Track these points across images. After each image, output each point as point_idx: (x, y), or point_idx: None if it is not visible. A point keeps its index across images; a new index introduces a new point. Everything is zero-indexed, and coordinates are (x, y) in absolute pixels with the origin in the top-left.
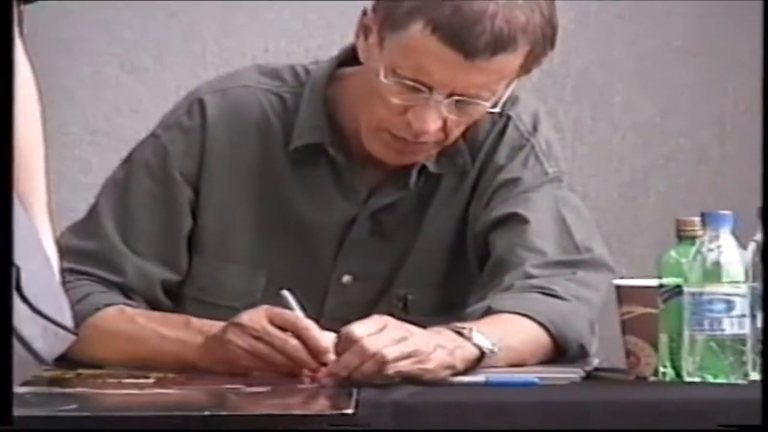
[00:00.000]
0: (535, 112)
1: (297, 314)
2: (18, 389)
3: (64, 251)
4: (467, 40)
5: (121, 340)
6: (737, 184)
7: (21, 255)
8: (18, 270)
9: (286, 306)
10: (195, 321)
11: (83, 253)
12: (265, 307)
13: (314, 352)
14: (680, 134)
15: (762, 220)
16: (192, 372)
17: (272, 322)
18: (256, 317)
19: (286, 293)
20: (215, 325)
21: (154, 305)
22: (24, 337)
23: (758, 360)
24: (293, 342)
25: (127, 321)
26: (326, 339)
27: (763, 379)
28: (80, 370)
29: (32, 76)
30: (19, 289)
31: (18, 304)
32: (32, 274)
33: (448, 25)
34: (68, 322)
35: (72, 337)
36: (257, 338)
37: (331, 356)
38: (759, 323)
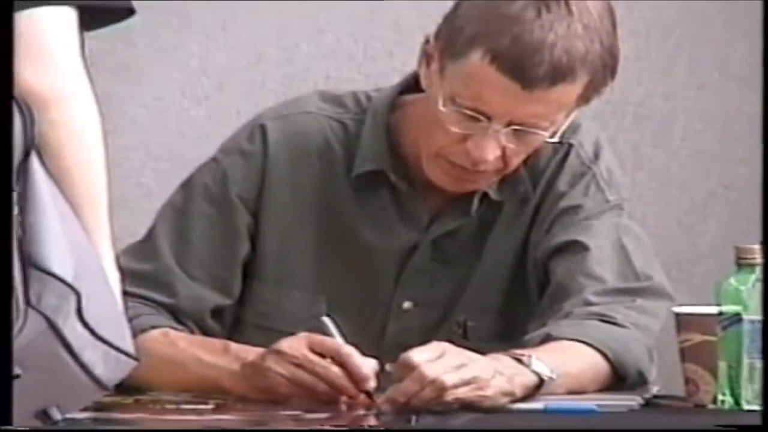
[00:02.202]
0: (596, 140)
1: (338, 341)
2: (77, 415)
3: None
4: (526, 70)
5: (163, 363)
6: None
7: (82, 281)
8: (79, 295)
9: (327, 333)
10: (234, 346)
11: (137, 275)
12: (305, 334)
13: (355, 378)
14: (739, 162)
15: (762, 228)
16: (237, 399)
17: (312, 350)
18: (296, 344)
19: (326, 320)
20: (253, 351)
21: (203, 329)
22: (85, 362)
23: None
24: (334, 369)
25: (169, 344)
26: (367, 366)
27: (763, 380)
28: (138, 396)
29: (95, 103)
30: (80, 314)
31: (79, 330)
32: (93, 300)
33: (507, 54)
34: (130, 347)
35: (133, 363)
36: (298, 365)
37: (372, 383)
38: None
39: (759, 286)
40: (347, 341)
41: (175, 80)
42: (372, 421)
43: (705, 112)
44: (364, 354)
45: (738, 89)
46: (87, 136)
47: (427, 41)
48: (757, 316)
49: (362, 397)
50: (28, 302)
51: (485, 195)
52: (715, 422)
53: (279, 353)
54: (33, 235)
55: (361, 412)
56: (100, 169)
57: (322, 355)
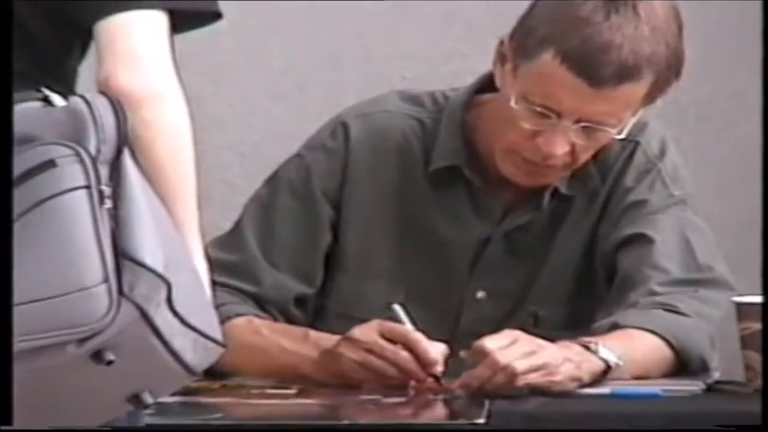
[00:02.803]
0: (662, 138)
1: (407, 327)
2: (167, 399)
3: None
4: (594, 69)
5: (247, 349)
6: None
7: (172, 271)
8: (169, 285)
9: (397, 320)
10: (313, 334)
11: (223, 265)
12: (376, 321)
13: (424, 363)
14: None
15: (762, 224)
16: (317, 384)
17: (383, 336)
18: (367, 331)
19: (396, 307)
20: (331, 339)
21: (287, 316)
22: (175, 349)
23: None
24: (404, 354)
25: (253, 332)
26: (435, 351)
27: (763, 380)
28: (225, 381)
29: (185, 103)
30: (170, 303)
31: (169, 318)
32: (183, 290)
33: (576, 54)
34: (217, 334)
35: (221, 350)
36: (369, 351)
37: (440, 367)
38: None
39: None
40: (417, 328)
41: (259, 81)
42: (446, 406)
43: None
44: (434, 340)
45: None
46: (177, 135)
47: (501, 42)
48: None
49: (430, 380)
50: (121, 292)
51: (556, 190)
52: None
53: (351, 340)
54: (126, 228)
55: (437, 396)
56: (190, 165)
57: (392, 342)
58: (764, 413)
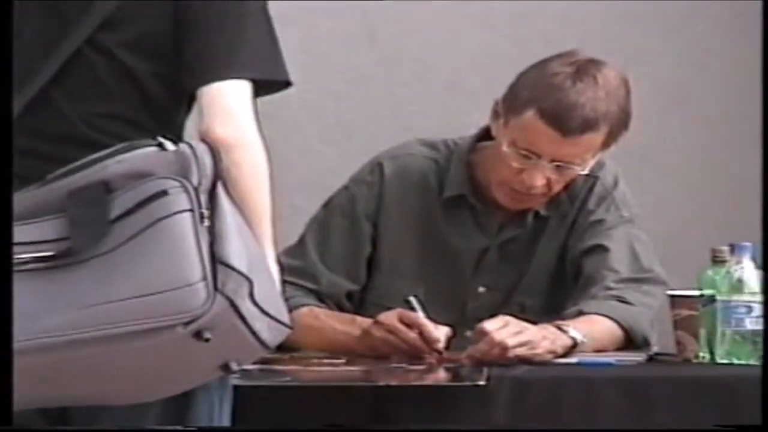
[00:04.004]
0: (615, 173)
1: (419, 314)
2: (248, 367)
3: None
4: (564, 123)
5: (308, 330)
6: None
7: (253, 272)
8: (251, 283)
9: (412, 308)
10: (358, 319)
11: (291, 268)
12: (397, 309)
13: (428, 341)
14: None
15: (762, 223)
16: (359, 356)
17: (401, 321)
18: (390, 317)
19: (412, 299)
20: (368, 322)
21: (339, 307)
22: (255, 330)
23: None
24: (413, 335)
25: (313, 317)
26: (438, 332)
27: (762, 380)
28: (292, 354)
29: (263, 148)
30: (252, 296)
31: (251, 307)
32: (261, 286)
33: (551, 112)
34: (286, 319)
35: (288, 330)
36: (390, 332)
37: (441, 344)
38: None
39: (728, 275)
40: (427, 315)
41: (316, 131)
42: (455, 372)
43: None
44: (442, 324)
45: None
46: (258, 172)
47: (496, 103)
48: (727, 297)
49: (435, 354)
50: (216, 287)
51: (537, 212)
52: (698, 372)
53: (378, 323)
54: (219, 240)
55: (447, 365)
56: (266, 194)
57: (408, 325)
58: (764, 413)
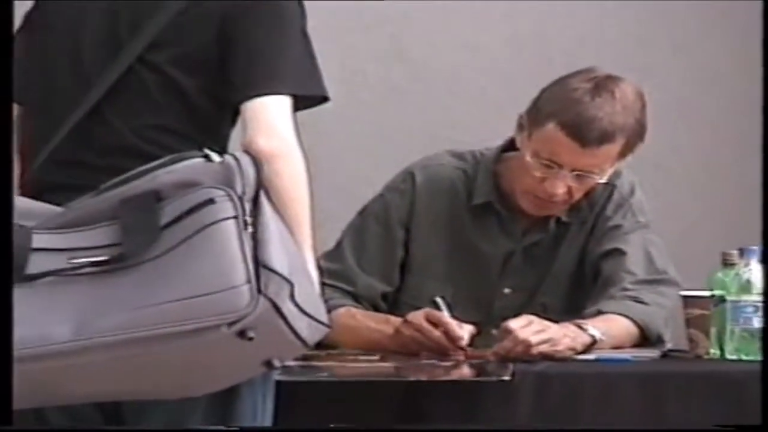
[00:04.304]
0: (632, 182)
1: (444, 314)
2: (289, 363)
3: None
4: (584, 135)
5: (346, 329)
6: None
7: (294, 275)
8: (292, 285)
9: (439, 308)
10: (392, 318)
11: (330, 271)
12: (425, 309)
13: (452, 339)
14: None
15: (762, 225)
16: (392, 353)
17: (428, 320)
18: (418, 316)
19: (438, 300)
20: (400, 321)
21: (375, 307)
22: (296, 329)
23: None
24: (437, 333)
25: (350, 317)
26: (461, 330)
27: (762, 379)
28: (329, 351)
29: (302, 158)
30: (292, 298)
31: (292, 308)
32: (301, 288)
33: (571, 124)
34: (324, 319)
35: (326, 329)
36: (417, 330)
37: (464, 342)
38: None
39: (737, 277)
40: (452, 315)
41: (351, 144)
42: (482, 367)
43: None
44: (469, 323)
45: None
46: (298, 181)
47: (521, 117)
48: (736, 298)
49: (459, 351)
50: (259, 290)
51: (558, 218)
52: (709, 367)
53: (407, 322)
54: (262, 245)
55: (474, 361)
56: (306, 202)
57: (434, 324)
58: (764, 413)
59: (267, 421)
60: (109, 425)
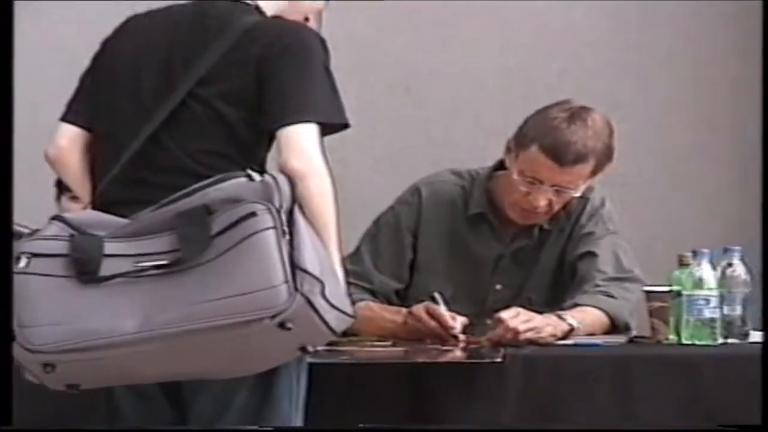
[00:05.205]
0: (603, 196)
1: (440, 307)
2: (320, 348)
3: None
4: (561, 156)
5: (364, 320)
6: None
7: (324, 275)
8: (323, 284)
9: (436, 302)
10: (403, 310)
11: (352, 272)
12: (426, 303)
13: (445, 328)
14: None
15: (762, 228)
16: (403, 339)
17: (427, 312)
18: (419, 308)
19: (436, 295)
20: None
21: (389, 301)
22: (326, 321)
23: (721, 331)
24: (433, 323)
25: (368, 309)
26: (454, 321)
27: (762, 379)
28: (351, 338)
29: (330, 176)
30: (323, 294)
31: (323, 303)
32: (330, 285)
33: (550, 147)
34: (349, 310)
35: (351, 320)
36: (417, 321)
37: (457, 331)
38: (726, 311)
39: (691, 275)
40: (448, 308)
41: (367, 165)
42: (478, 351)
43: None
44: (464, 315)
45: None
46: (325, 195)
47: (508, 141)
48: (690, 292)
49: (452, 338)
50: (295, 288)
51: (541, 226)
52: (668, 351)
53: (410, 314)
54: (297, 250)
55: (471, 346)
56: (333, 212)
57: (432, 315)
58: (764, 413)
59: (301, 397)
60: (170, 400)
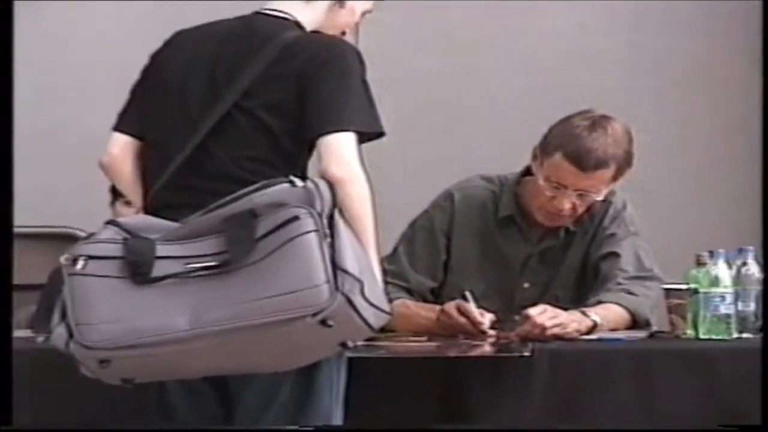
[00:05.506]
0: (624, 199)
1: (470, 304)
2: (359, 343)
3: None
4: (584, 162)
5: (401, 317)
6: None
7: (363, 275)
8: (362, 283)
9: (466, 300)
10: (437, 308)
11: (389, 271)
12: (457, 300)
13: (474, 324)
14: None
15: (762, 228)
16: (437, 335)
17: (458, 309)
18: (450, 306)
19: (466, 293)
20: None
21: (424, 299)
22: (365, 318)
23: (736, 326)
24: (463, 320)
25: (404, 307)
26: (482, 318)
27: (763, 379)
28: (388, 333)
29: (368, 182)
30: (362, 293)
31: (362, 302)
32: (368, 285)
33: (573, 154)
34: (387, 308)
35: (387, 317)
36: (448, 317)
37: (485, 327)
38: (740, 307)
39: (708, 273)
40: (478, 305)
41: (400, 170)
42: (507, 346)
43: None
44: (494, 311)
45: None
46: (364, 199)
47: (534, 149)
48: (706, 290)
49: (481, 334)
50: (336, 287)
51: (567, 228)
52: (686, 345)
53: (443, 311)
54: (337, 252)
55: (501, 341)
56: (370, 216)
57: (462, 312)
58: (764, 413)
59: (341, 391)
60: (217, 394)
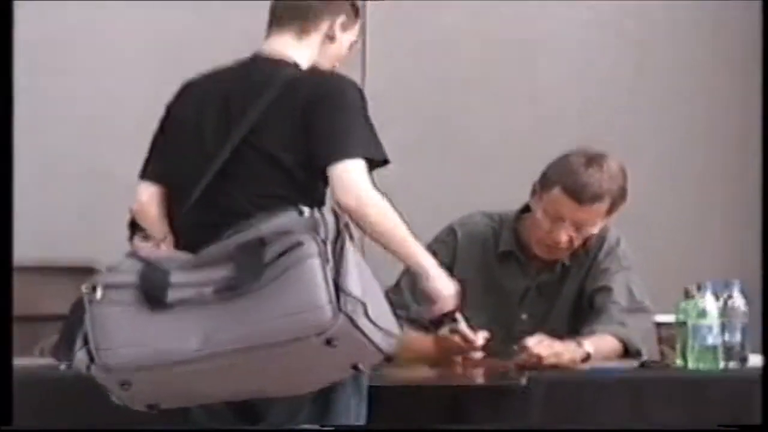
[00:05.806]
0: (618, 235)
1: (461, 324)
2: (365, 370)
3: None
4: (580, 196)
5: (401, 346)
6: None
7: (367, 297)
8: (365, 305)
9: (457, 321)
10: (434, 336)
11: (393, 301)
12: (449, 325)
13: (467, 341)
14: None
15: (762, 228)
16: (437, 361)
17: (451, 331)
18: (445, 330)
19: (457, 315)
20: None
21: (425, 328)
22: (374, 342)
23: (723, 356)
24: (457, 338)
25: (405, 336)
26: (474, 335)
27: (763, 379)
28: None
29: (386, 203)
30: (366, 315)
31: (368, 324)
32: (373, 307)
33: (571, 189)
34: (395, 331)
35: (396, 339)
36: (443, 340)
37: (478, 343)
38: (727, 338)
39: (696, 306)
40: (469, 325)
41: (405, 201)
42: (505, 374)
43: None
44: (492, 339)
45: None
46: (384, 216)
47: (534, 184)
48: (695, 322)
49: (474, 350)
50: (339, 308)
51: (563, 263)
52: (676, 373)
53: (438, 336)
54: (341, 276)
55: (502, 370)
56: (398, 225)
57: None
58: (764, 413)
59: (361, 418)
60: (242, 420)
